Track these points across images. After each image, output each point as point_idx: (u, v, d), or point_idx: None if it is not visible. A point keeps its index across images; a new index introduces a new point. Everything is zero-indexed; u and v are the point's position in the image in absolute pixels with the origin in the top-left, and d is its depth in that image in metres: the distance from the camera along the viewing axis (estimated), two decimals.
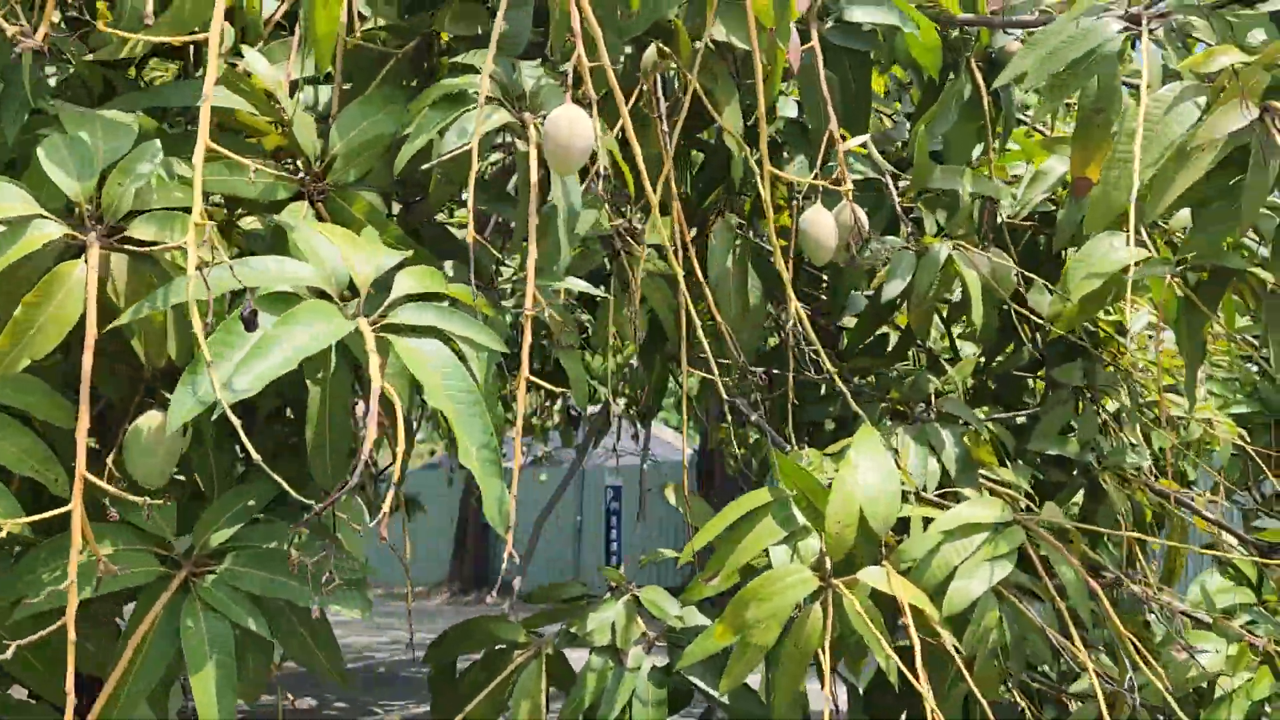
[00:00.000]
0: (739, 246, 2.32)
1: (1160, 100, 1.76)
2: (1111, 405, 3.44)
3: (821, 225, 2.08)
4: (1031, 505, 2.59)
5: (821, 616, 1.82)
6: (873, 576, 1.83)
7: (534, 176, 1.53)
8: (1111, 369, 3.14)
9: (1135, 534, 2.40)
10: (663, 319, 2.28)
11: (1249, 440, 4.90)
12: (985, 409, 2.89)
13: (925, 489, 2.26)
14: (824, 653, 1.80)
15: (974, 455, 2.39)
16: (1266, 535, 2.82)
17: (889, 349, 3.03)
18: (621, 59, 1.99)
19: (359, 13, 1.89)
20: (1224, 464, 4.05)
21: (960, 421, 2.43)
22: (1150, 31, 1.87)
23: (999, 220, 2.65)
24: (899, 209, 2.50)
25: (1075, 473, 2.84)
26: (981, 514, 1.91)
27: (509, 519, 1.36)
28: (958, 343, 3.40)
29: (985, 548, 1.87)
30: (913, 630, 1.82)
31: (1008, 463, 2.55)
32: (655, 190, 1.81)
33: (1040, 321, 2.89)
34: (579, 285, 1.76)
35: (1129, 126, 1.74)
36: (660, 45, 1.97)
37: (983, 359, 3.04)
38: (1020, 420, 2.94)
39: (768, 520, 2.00)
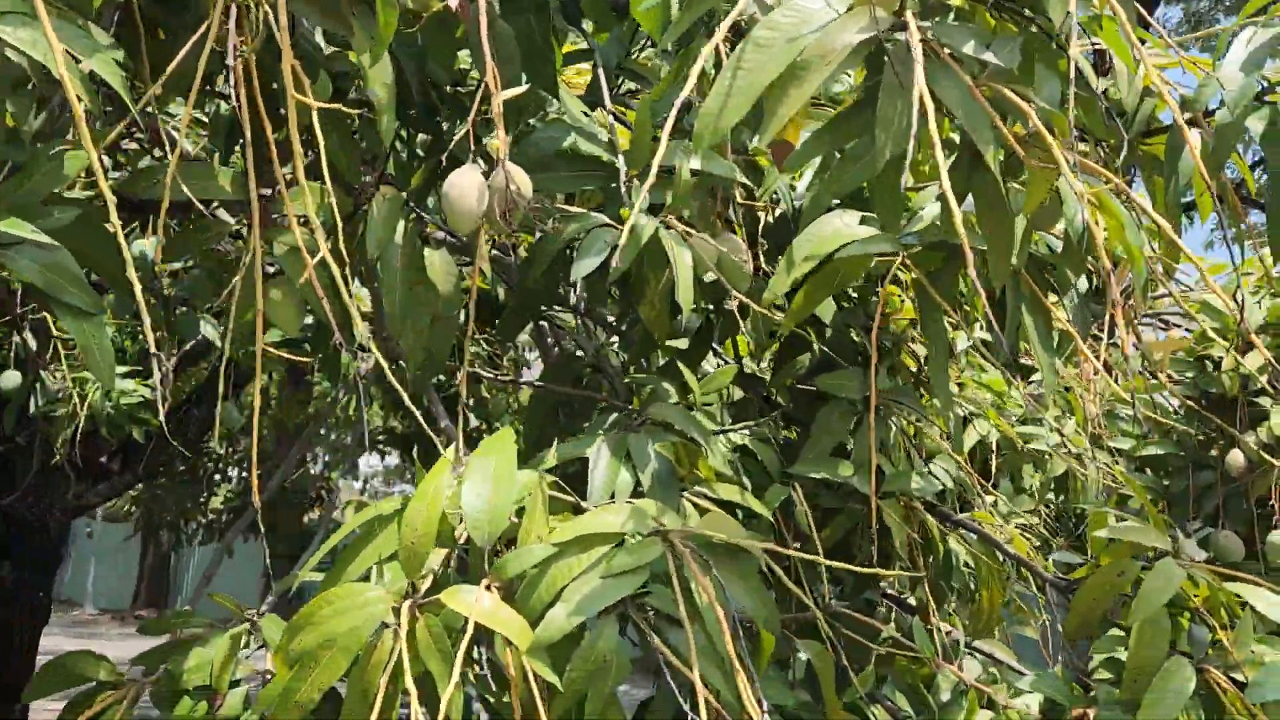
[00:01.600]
0: (411, 221, 2.01)
1: (796, 9, 1.46)
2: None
3: (463, 189, 1.77)
4: (779, 531, 2.26)
5: (390, 646, 1.47)
6: (457, 597, 1.48)
7: None
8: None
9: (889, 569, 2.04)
10: (314, 307, 1.97)
11: (1167, 484, 4.58)
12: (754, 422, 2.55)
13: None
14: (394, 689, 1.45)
15: (689, 470, 2.05)
16: (1078, 574, 2.46)
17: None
18: None
19: None
20: (1097, 503, 3.70)
21: (680, 432, 2.09)
22: None
23: (750, 207, 2.35)
24: (625, 188, 2.20)
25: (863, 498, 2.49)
26: (607, 523, 1.57)
27: None
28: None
29: (606, 563, 1.53)
30: (510, 661, 1.48)
31: (746, 482, 2.21)
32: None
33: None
34: None
35: (752, 36, 1.43)
36: None
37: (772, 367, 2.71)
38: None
39: (390, 530, 1.67)
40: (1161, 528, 2.17)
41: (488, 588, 1.52)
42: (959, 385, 3.76)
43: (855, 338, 2.60)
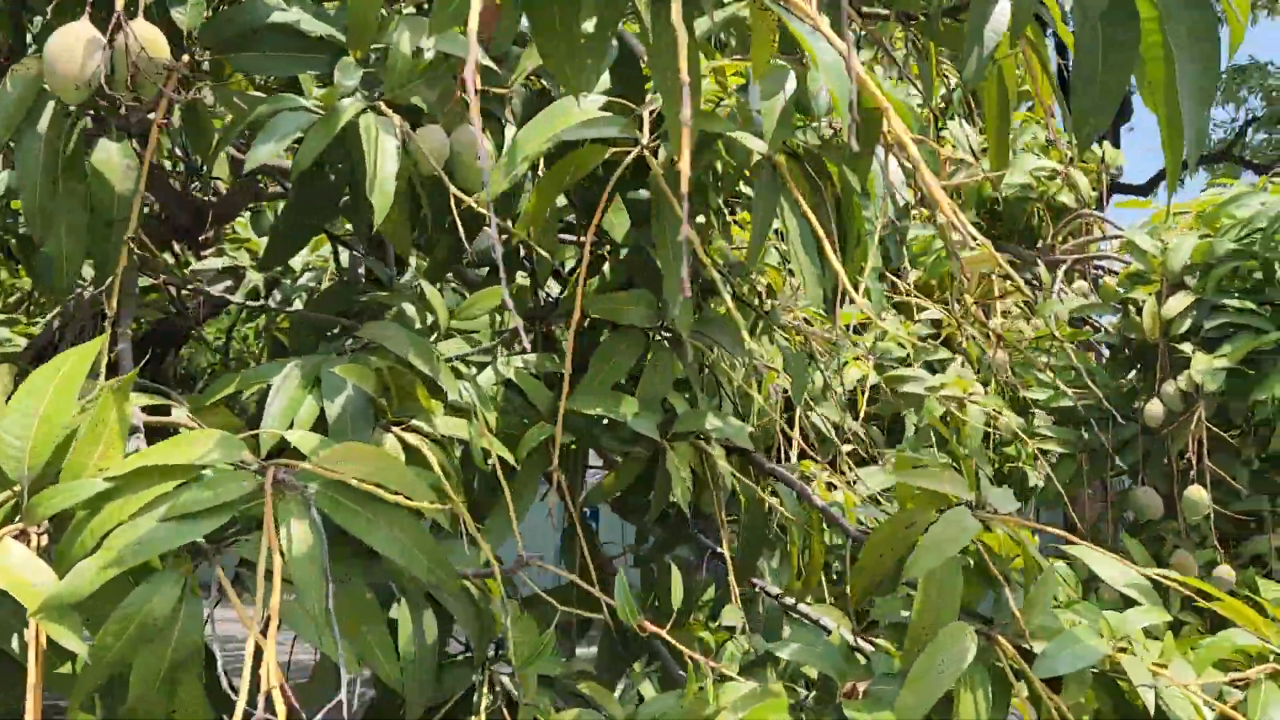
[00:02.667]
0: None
1: None
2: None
3: (69, 47, 1.44)
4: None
5: None
6: None
7: None
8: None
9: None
10: None
11: (1085, 437, 4.31)
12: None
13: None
14: None
15: (400, 402, 1.74)
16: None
17: None
18: None
19: None
20: (972, 449, 3.39)
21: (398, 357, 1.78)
22: None
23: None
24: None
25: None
26: (183, 453, 1.25)
27: None
28: None
29: (173, 502, 1.21)
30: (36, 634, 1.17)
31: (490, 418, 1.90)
32: None
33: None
34: None
35: None
36: None
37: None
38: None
39: None
40: (972, 476, 1.86)
41: (22, 534, 1.21)
42: (853, 338, 3.45)
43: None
